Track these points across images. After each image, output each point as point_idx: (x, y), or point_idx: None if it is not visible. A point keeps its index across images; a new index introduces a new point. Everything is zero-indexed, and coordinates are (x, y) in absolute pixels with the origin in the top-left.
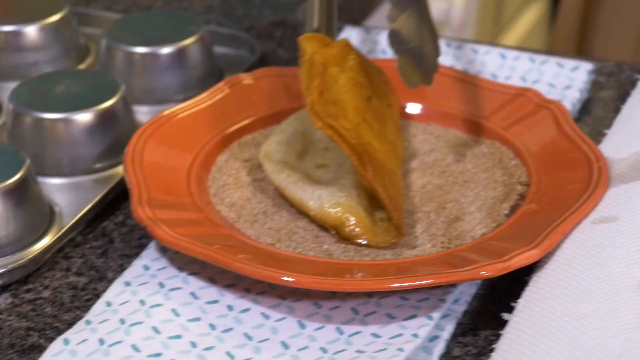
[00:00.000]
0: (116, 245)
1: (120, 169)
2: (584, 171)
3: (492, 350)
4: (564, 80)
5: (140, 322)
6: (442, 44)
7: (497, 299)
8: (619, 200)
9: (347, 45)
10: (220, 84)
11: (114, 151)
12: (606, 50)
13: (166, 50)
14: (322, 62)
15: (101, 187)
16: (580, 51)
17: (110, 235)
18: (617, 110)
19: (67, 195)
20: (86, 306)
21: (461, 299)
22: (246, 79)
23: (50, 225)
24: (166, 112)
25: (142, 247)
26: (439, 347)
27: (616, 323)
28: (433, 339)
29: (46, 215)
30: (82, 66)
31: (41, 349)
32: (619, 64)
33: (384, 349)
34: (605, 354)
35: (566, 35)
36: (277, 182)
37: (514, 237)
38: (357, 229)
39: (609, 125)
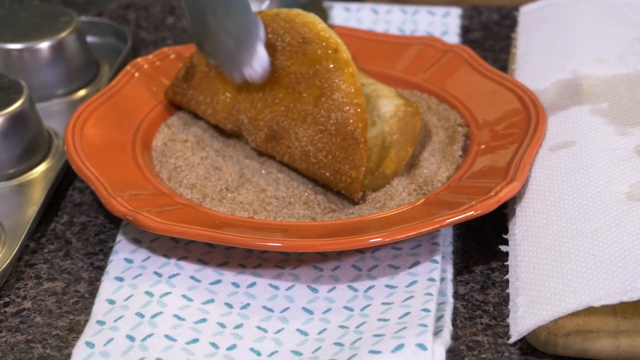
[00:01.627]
0: (75, 245)
1: (36, 171)
2: (517, 104)
3: (494, 283)
4: (439, 27)
5: (161, 313)
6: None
7: (473, 237)
8: (566, 126)
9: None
10: (127, 68)
11: (27, 154)
12: None
13: (45, 44)
14: None
15: (26, 191)
16: None
17: (63, 236)
18: (491, 50)
19: None
20: (77, 309)
21: (445, 240)
22: (149, 62)
23: None
24: (86, 104)
25: (102, 242)
26: (449, 287)
27: (629, 234)
28: (441, 280)
29: None
30: None
31: (52, 359)
32: (475, 7)
33: (411, 297)
34: (638, 262)
35: None
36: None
37: (485, 174)
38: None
39: (496, 63)
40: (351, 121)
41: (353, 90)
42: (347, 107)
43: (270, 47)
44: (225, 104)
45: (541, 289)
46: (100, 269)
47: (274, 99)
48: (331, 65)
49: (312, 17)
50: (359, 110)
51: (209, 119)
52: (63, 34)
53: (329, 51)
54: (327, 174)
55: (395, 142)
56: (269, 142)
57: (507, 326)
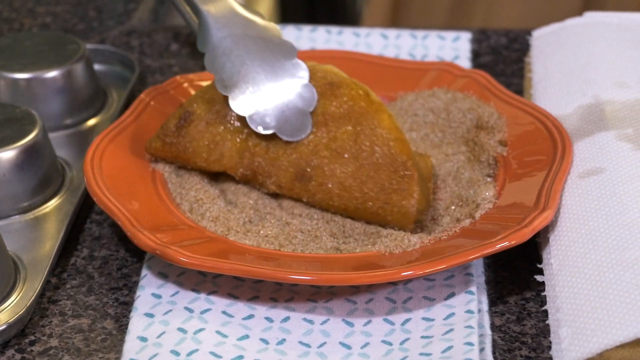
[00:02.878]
0: (98, 280)
1: (51, 204)
2: (541, 130)
3: (529, 314)
4: (450, 51)
5: (196, 350)
6: (323, 32)
7: (503, 266)
8: (593, 153)
9: None
10: (142, 97)
11: (42, 186)
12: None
13: (53, 73)
14: None
15: (42, 224)
16: (395, 21)
17: (85, 271)
18: (503, 74)
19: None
20: (105, 347)
21: (477, 270)
22: (163, 90)
23: (17, 273)
24: (102, 135)
25: (125, 277)
26: (486, 319)
27: None
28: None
29: (10, 264)
30: None
31: None
32: (483, 30)
33: (451, 330)
34: None
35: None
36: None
37: (515, 203)
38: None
39: (509, 87)
40: (400, 153)
41: (395, 127)
42: (392, 142)
43: None
44: (235, 148)
45: (585, 321)
46: (126, 305)
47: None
48: (366, 105)
49: (331, 67)
50: (404, 144)
51: (212, 166)
52: (71, 63)
53: (361, 93)
54: (375, 207)
55: (418, 180)
56: (297, 182)
57: (548, 358)
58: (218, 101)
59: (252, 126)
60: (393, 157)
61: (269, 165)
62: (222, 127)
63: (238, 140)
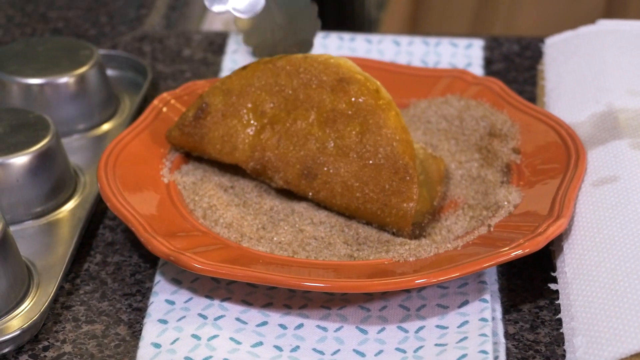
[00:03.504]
0: (111, 286)
1: (64, 210)
2: (555, 138)
3: (543, 322)
4: (463, 58)
5: (210, 357)
6: (335, 38)
7: (517, 274)
8: (607, 161)
9: None
10: (155, 102)
11: (55, 192)
12: (441, 26)
13: (66, 79)
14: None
15: (55, 230)
16: (413, 28)
17: (98, 277)
18: (515, 81)
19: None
20: (119, 353)
21: (491, 278)
22: (177, 96)
23: (30, 278)
24: (116, 141)
25: (138, 283)
26: (500, 327)
27: None
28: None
29: (24, 269)
30: None
31: None
32: (495, 38)
33: (466, 338)
34: None
35: (400, 12)
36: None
37: (529, 211)
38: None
39: (522, 95)
40: (402, 155)
41: (400, 127)
42: (396, 143)
43: (303, 86)
44: (247, 141)
45: (600, 330)
46: (140, 311)
47: (306, 135)
48: (374, 103)
49: (345, 60)
50: (407, 145)
51: (225, 158)
52: (84, 68)
53: (371, 89)
54: (374, 208)
55: (423, 182)
56: (303, 179)
57: None
58: (234, 92)
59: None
60: (395, 159)
61: (278, 161)
62: (236, 120)
63: (251, 133)
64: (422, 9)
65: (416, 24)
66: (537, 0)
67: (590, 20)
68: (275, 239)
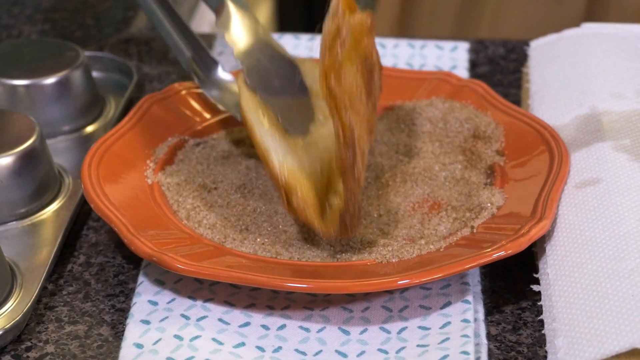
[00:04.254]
0: (95, 287)
1: (48, 211)
2: (538, 140)
3: (525, 323)
4: (448, 61)
5: (192, 357)
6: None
7: (500, 275)
8: (590, 163)
9: (370, 19)
10: (140, 103)
11: (39, 193)
12: (428, 29)
13: (51, 80)
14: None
15: (39, 230)
16: (400, 31)
17: (81, 277)
18: (500, 84)
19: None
20: (102, 353)
21: (474, 279)
22: (161, 98)
23: (13, 278)
24: (100, 142)
25: (122, 284)
26: (482, 328)
27: None
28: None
29: (7, 270)
30: None
31: None
32: (480, 40)
33: (447, 339)
34: None
35: (387, 15)
36: (249, 118)
37: (511, 213)
38: (300, 203)
39: (507, 97)
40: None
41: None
42: None
43: None
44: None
45: (581, 330)
46: (123, 312)
47: None
48: None
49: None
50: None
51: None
52: (70, 70)
53: None
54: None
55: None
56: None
57: None
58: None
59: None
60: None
61: None
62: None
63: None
64: (409, 12)
65: (405, 25)
66: (521, 4)
67: (574, 23)
68: (258, 240)
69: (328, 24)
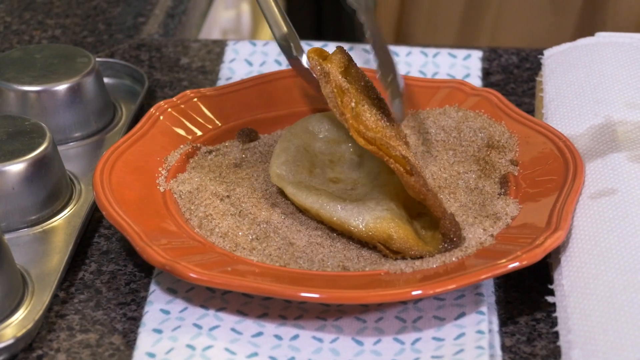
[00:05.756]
0: (106, 295)
1: (59, 218)
2: (553, 150)
3: (540, 335)
4: (461, 69)
5: None
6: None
7: (514, 286)
8: (605, 174)
9: (344, 53)
10: (152, 111)
11: (50, 199)
12: (428, 36)
13: (63, 86)
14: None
15: (50, 238)
16: (399, 38)
17: (93, 285)
18: (514, 93)
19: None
20: None
21: (488, 290)
22: (173, 104)
23: (25, 286)
24: (112, 149)
25: (133, 292)
26: (497, 339)
27: None
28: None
29: (19, 278)
30: None
31: None
32: (494, 49)
33: (462, 350)
34: None
35: (386, 22)
36: (308, 204)
37: (526, 223)
38: (406, 242)
39: (520, 107)
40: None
41: None
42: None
43: None
44: None
45: (597, 343)
46: (134, 320)
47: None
48: None
49: None
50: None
51: None
52: (81, 76)
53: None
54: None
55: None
56: None
57: None
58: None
59: None
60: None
61: None
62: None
63: None
64: (406, 19)
65: (402, 32)
66: (521, 13)
67: (571, 33)
68: (266, 251)
69: (324, 87)
